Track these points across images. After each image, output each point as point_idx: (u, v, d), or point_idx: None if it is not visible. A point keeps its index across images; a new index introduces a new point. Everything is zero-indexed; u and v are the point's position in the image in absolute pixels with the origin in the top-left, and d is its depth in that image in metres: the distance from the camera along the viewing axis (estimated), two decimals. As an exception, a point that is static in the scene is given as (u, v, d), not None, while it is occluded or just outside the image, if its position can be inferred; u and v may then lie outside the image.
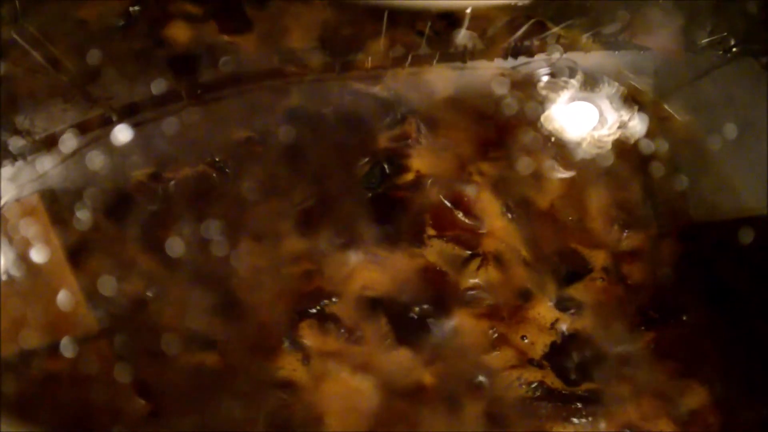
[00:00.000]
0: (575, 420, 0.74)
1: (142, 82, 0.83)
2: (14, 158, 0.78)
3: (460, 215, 0.84)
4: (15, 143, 0.78)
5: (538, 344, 0.78)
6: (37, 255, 0.73)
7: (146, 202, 0.80)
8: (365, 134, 0.87)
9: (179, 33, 0.92)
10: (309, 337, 0.76)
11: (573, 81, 0.91)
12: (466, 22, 0.87)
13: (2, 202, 0.75)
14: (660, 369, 0.78)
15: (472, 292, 0.80)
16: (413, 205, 0.83)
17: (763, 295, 0.82)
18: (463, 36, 0.89)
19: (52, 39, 0.82)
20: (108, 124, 0.80)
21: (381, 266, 0.80)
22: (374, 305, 0.78)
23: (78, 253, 0.76)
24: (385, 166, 0.85)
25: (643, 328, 0.80)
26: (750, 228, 0.87)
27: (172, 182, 0.81)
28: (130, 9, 0.93)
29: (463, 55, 0.90)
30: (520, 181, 0.86)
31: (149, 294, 0.76)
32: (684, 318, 0.80)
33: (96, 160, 0.78)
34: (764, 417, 0.76)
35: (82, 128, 0.80)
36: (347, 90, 0.90)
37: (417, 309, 0.78)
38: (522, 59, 0.92)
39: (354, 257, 0.80)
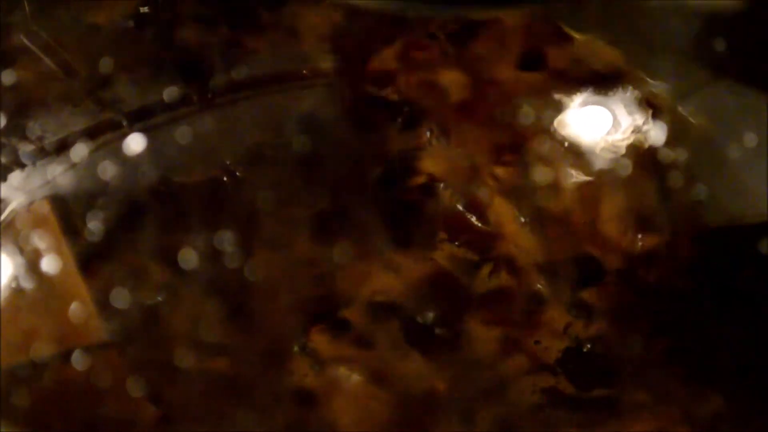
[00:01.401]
0: (588, 427, 0.74)
1: (153, 85, 0.83)
2: (23, 165, 0.78)
3: (473, 219, 0.84)
4: (24, 149, 0.78)
5: (552, 349, 0.77)
6: (47, 264, 0.73)
7: (158, 208, 0.80)
8: (377, 138, 0.87)
9: (190, 35, 0.92)
10: (320, 342, 0.76)
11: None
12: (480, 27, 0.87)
13: (10, 209, 0.75)
14: (675, 375, 0.77)
15: (485, 297, 0.79)
16: (425, 209, 0.83)
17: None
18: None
19: (62, 44, 0.82)
20: (118, 128, 0.80)
21: (393, 271, 0.80)
22: (386, 310, 0.78)
23: (88, 261, 0.77)
24: (398, 169, 0.85)
25: (657, 333, 0.79)
26: (766, 233, 0.86)
27: (184, 187, 0.82)
28: (140, 9, 0.93)
29: (476, 59, 0.90)
30: (533, 185, 0.85)
31: (159, 298, 0.76)
32: (699, 324, 0.80)
33: (106, 165, 0.78)
34: (781, 425, 0.75)
35: (92, 133, 0.80)
36: (359, 93, 0.89)
37: (429, 314, 0.78)
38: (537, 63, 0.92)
39: (365, 262, 0.80)
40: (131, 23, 0.88)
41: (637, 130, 0.89)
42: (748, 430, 0.76)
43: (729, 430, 0.75)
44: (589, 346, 0.78)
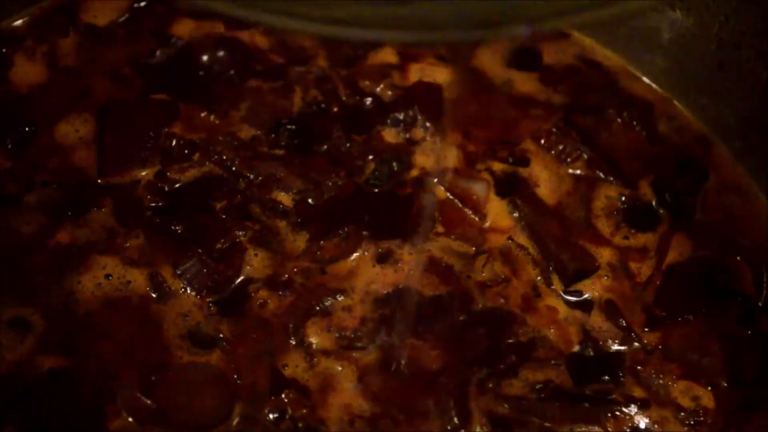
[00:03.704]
0: (582, 420, 0.74)
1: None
2: None
3: (469, 213, 0.84)
4: None
5: (545, 343, 0.77)
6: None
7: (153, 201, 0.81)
8: (372, 131, 0.87)
9: (185, 30, 0.92)
10: (314, 334, 0.76)
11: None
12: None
13: None
14: (667, 369, 0.77)
15: (478, 290, 0.79)
16: (420, 202, 0.83)
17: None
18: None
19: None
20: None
21: (387, 263, 0.80)
22: (380, 302, 0.78)
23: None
24: (393, 164, 0.85)
25: (650, 326, 0.79)
26: (758, 227, 0.86)
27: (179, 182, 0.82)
28: (134, 5, 0.93)
29: (470, 55, 0.90)
30: (528, 178, 0.86)
31: (154, 295, 0.76)
32: (690, 318, 0.80)
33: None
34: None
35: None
36: (353, 87, 0.89)
37: (423, 305, 0.78)
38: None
39: (360, 254, 0.80)
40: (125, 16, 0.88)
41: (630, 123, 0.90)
42: (740, 423, 0.76)
43: (720, 424, 0.75)
44: (585, 341, 0.78)
